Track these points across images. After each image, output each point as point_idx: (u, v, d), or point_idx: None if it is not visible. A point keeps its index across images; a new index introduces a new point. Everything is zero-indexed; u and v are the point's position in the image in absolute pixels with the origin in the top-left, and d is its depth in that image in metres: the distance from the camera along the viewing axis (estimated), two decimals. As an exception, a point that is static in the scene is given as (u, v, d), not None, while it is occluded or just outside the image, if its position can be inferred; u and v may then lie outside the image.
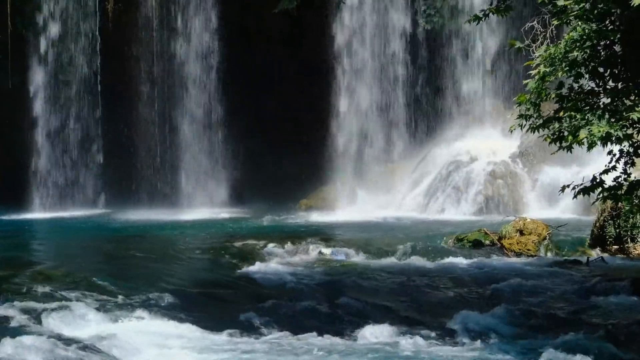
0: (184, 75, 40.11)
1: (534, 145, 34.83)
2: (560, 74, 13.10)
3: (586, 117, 12.86)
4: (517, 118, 13.77)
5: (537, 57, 13.41)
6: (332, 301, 19.29)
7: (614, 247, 24.65)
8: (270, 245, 26.12)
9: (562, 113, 13.34)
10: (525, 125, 13.72)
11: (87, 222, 35.92)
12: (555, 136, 13.37)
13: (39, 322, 16.54)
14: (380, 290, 20.74)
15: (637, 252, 24.36)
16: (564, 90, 13.60)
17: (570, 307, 18.99)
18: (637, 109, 12.94)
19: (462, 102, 38.99)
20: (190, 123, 40.25)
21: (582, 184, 14.01)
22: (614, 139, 12.70)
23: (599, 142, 12.71)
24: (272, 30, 39.57)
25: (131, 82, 40.30)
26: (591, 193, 13.99)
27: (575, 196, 14.09)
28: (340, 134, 39.02)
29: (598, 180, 13.96)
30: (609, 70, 13.51)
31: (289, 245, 26.06)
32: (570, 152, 13.39)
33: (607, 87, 13.52)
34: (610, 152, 14.04)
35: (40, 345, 14.70)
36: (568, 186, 14.15)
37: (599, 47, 13.25)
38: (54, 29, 40.29)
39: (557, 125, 13.30)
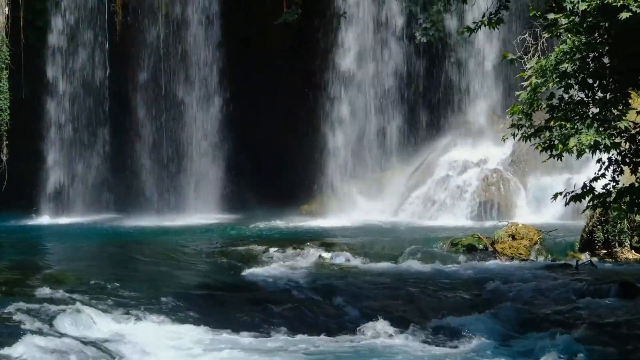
0: (187, 85, 40.14)
1: (525, 153, 34.82)
2: (551, 84, 13.11)
3: (576, 126, 12.87)
4: (510, 127, 13.78)
5: (529, 69, 13.43)
6: (331, 303, 19.31)
7: (602, 251, 24.67)
8: (272, 250, 26.12)
9: (553, 122, 13.35)
10: (517, 134, 13.72)
11: (95, 227, 35.92)
12: (546, 145, 13.38)
13: (51, 324, 16.51)
14: (377, 293, 20.74)
15: (624, 256, 24.38)
16: (555, 101, 13.61)
17: (561, 308, 18.99)
18: (624, 118, 12.97)
19: (457, 111, 39.00)
20: (194, 131, 40.28)
21: (573, 192, 14.01)
22: (602, 147, 12.72)
23: (587, 151, 12.73)
24: (273, 41, 39.58)
25: (138, 92, 40.35)
26: (582, 200, 13.98)
27: (567, 203, 14.09)
28: (339, 141, 39.06)
29: (588, 187, 13.96)
30: (597, 81, 13.52)
31: (290, 250, 26.07)
32: (561, 160, 13.41)
33: (596, 97, 13.54)
34: (599, 160, 14.05)
35: (52, 346, 14.75)
36: (560, 194, 14.15)
37: (588, 59, 13.27)
38: (65, 42, 40.35)
39: (547, 134, 13.31)
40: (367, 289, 21.10)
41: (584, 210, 14.35)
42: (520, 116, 13.52)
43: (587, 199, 13.93)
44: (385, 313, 18.53)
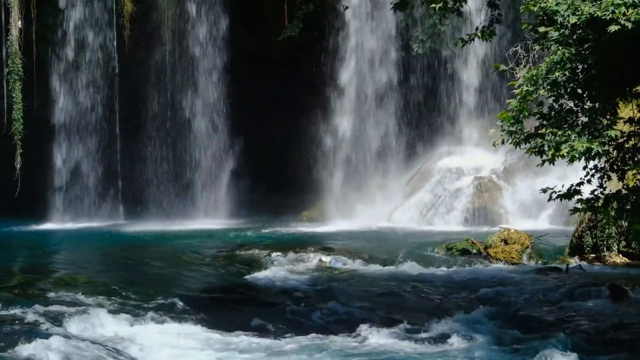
0: (193, 95, 40.18)
1: (517, 161, 34.89)
2: (542, 92, 13.11)
3: (567, 134, 12.88)
4: (501, 132, 13.76)
5: (520, 77, 13.43)
6: (331, 305, 19.27)
7: (591, 255, 24.68)
8: (274, 254, 26.10)
9: (544, 130, 13.36)
10: (508, 139, 13.69)
11: (104, 232, 35.90)
12: (536, 150, 13.39)
13: (61, 325, 16.51)
14: (375, 295, 20.74)
15: (612, 260, 24.41)
16: (545, 109, 13.62)
17: (551, 310, 19.00)
18: (614, 127, 12.97)
19: (452, 121, 39.02)
20: (199, 141, 40.31)
21: (560, 191, 14.02)
22: (593, 153, 12.71)
23: (579, 157, 12.72)
24: (275, 53, 39.59)
25: (146, 102, 40.40)
26: (569, 200, 13.99)
27: (551, 199, 14.06)
28: (339, 150, 39.07)
29: (574, 189, 13.96)
30: (586, 92, 13.53)
31: (291, 254, 26.05)
32: (553, 164, 13.42)
33: (585, 107, 13.54)
34: (585, 168, 14.04)
35: (62, 346, 14.72)
36: (549, 188, 14.12)
37: (577, 70, 13.27)
38: (74, 54, 40.39)
39: (539, 140, 13.31)
40: (365, 291, 21.10)
41: (573, 212, 14.30)
42: (511, 122, 13.51)
43: (574, 199, 13.93)
44: (382, 314, 18.56)
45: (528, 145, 13.54)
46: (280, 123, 39.66)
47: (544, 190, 14.19)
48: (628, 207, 13.63)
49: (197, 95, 40.17)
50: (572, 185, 14.03)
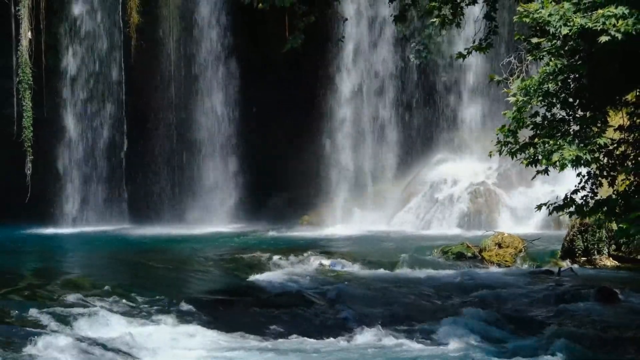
0: (200, 103, 40.22)
1: (510, 167, 34.88)
2: (535, 102, 13.14)
3: (558, 143, 12.89)
4: (497, 144, 13.79)
5: (514, 88, 13.46)
6: (330, 307, 19.29)
7: (582, 258, 24.67)
8: (275, 257, 26.07)
9: (537, 139, 13.38)
10: (503, 150, 13.71)
11: (111, 236, 35.91)
12: (530, 160, 13.40)
13: (69, 326, 16.53)
14: (373, 297, 20.71)
15: (603, 263, 24.41)
16: (538, 119, 13.64)
17: (543, 312, 18.99)
18: (603, 135, 12.99)
19: (448, 129, 39.03)
20: (204, 148, 40.33)
21: (555, 203, 14.04)
22: (583, 161, 12.73)
23: (569, 165, 12.74)
24: (277, 62, 39.56)
25: (152, 110, 40.42)
26: (564, 211, 14.01)
27: (550, 213, 14.10)
28: (338, 156, 39.08)
29: (569, 199, 13.98)
30: (578, 101, 13.55)
31: (292, 257, 26.02)
32: (547, 174, 13.45)
33: (577, 115, 13.56)
34: (579, 174, 14.07)
35: (70, 347, 14.76)
36: (544, 204, 14.16)
37: (569, 80, 13.29)
38: (82, 63, 40.43)
39: (532, 150, 13.33)
40: (364, 294, 21.06)
41: (561, 214, 14.27)
42: (507, 133, 13.53)
43: (568, 210, 13.97)
44: (379, 316, 18.54)
45: (523, 155, 13.56)
46: (281, 126, 39.64)
47: (540, 207, 14.20)
48: (617, 210, 13.65)
49: (201, 101, 40.20)
50: (566, 195, 14.05)
